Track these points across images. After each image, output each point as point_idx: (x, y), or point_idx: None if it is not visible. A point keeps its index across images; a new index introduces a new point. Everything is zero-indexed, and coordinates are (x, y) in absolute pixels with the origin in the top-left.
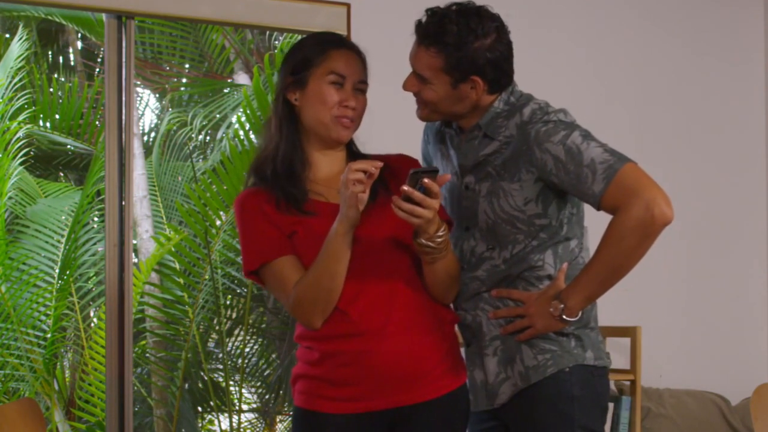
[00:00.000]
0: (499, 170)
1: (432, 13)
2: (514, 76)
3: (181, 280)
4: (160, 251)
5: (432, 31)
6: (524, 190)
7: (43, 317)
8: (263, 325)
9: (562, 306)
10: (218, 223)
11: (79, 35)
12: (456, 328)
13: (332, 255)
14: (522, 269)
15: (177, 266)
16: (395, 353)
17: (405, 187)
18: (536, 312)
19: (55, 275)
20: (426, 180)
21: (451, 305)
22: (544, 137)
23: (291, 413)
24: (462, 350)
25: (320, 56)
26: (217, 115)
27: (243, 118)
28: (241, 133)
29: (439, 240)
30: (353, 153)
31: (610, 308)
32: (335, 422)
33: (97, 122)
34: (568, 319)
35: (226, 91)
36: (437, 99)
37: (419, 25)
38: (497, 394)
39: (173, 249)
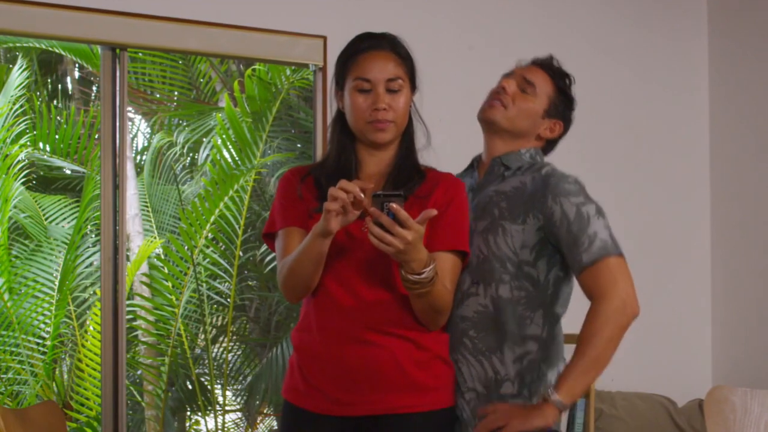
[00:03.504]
0: (503, 210)
1: (551, 57)
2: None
3: (170, 283)
4: (148, 248)
5: (556, 67)
6: (524, 234)
7: (42, 325)
8: (246, 333)
9: (555, 398)
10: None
11: (77, 65)
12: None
13: (305, 249)
14: (509, 319)
15: (165, 270)
16: (348, 359)
17: (372, 209)
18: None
19: (56, 287)
20: (393, 205)
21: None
22: (562, 192)
23: (269, 413)
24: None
25: (349, 64)
26: (203, 140)
27: (218, 141)
28: (227, 154)
29: (422, 276)
30: (405, 152)
31: (565, 317)
32: (309, 418)
33: (94, 145)
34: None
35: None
36: (527, 111)
37: (541, 58)
38: None
39: (162, 256)
